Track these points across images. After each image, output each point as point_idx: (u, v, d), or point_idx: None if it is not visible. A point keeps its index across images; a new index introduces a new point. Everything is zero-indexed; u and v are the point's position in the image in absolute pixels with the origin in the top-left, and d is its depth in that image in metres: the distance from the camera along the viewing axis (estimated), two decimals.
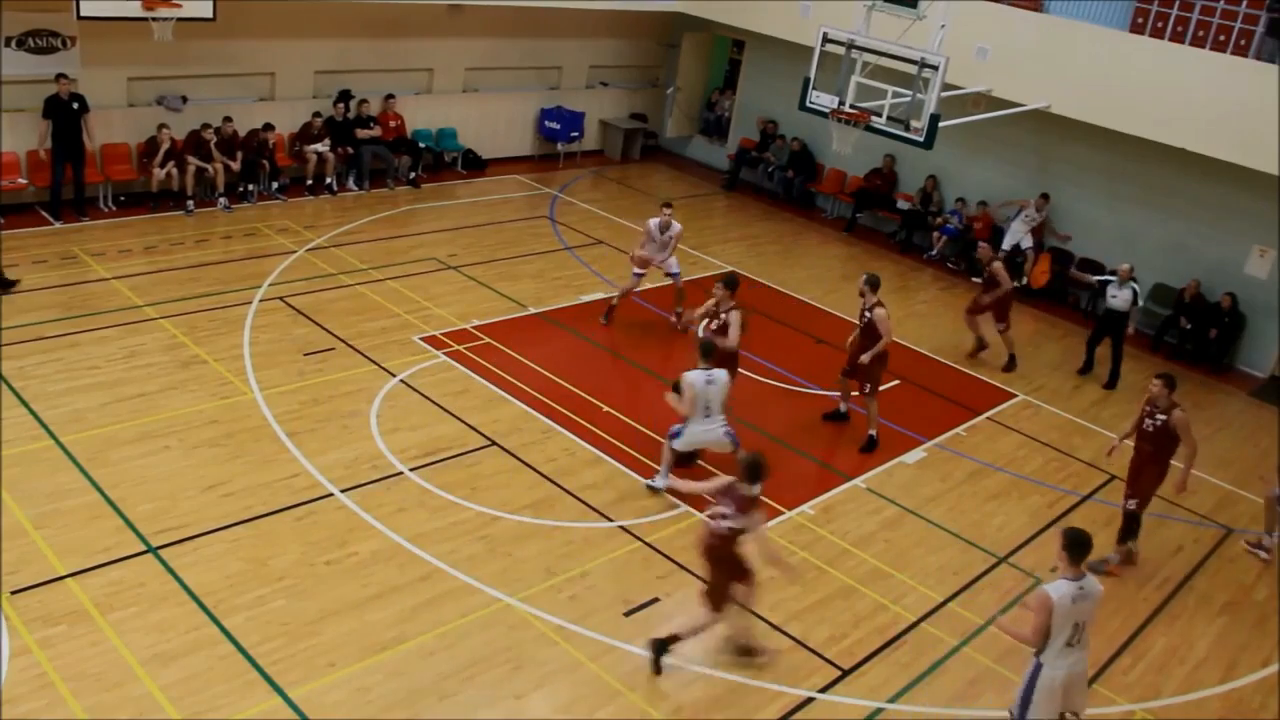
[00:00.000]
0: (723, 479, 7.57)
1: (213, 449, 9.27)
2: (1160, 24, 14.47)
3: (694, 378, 9.32)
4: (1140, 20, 14.68)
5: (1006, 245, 16.33)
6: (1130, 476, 9.53)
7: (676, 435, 9.50)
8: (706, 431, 9.48)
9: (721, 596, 7.34)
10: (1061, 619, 6.30)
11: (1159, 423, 9.17)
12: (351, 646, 7.28)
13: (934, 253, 17.41)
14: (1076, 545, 6.35)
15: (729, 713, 7.24)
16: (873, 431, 11.03)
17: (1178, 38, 14.29)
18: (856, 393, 11.19)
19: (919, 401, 12.26)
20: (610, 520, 9.13)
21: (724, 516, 7.17)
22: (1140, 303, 13.33)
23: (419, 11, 16.81)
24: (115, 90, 14.31)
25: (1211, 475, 11.71)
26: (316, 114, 15.96)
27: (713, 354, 9.52)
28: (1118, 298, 13.10)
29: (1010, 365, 13.48)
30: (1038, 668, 6.46)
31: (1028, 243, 16.29)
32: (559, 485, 9.53)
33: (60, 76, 13.19)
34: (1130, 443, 9.53)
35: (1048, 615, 6.28)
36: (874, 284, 10.77)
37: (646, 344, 12.63)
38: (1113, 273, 13.36)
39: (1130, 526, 9.55)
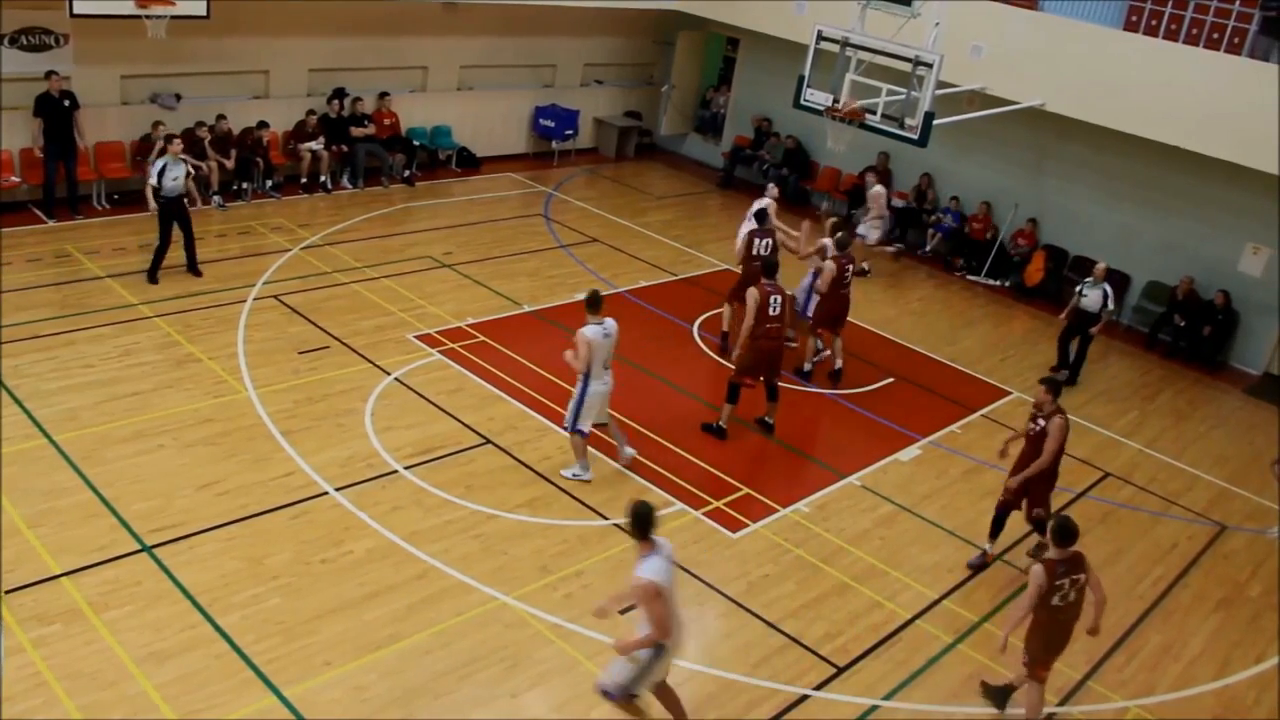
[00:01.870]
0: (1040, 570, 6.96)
1: (207, 448, 9.26)
2: (1154, 22, 14.52)
3: (591, 333, 8.86)
4: (1134, 18, 14.73)
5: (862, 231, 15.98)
6: (1013, 474, 9.09)
7: (579, 411, 9.16)
8: (607, 385, 9.25)
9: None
10: (669, 595, 6.24)
11: (1039, 427, 8.86)
12: (347, 645, 7.28)
13: (928, 250, 17.45)
14: (640, 520, 6.20)
15: (724, 710, 7.24)
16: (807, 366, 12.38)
17: (1171, 36, 14.34)
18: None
19: (914, 399, 12.28)
20: (605, 518, 9.13)
21: (1073, 580, 6.95)
22: (1111, 305, 13.02)
23: (414, 9, 16.79)
24: (109, 88, 14.27)
25: (1206, 473, 11.75)
26: (311, 112, 15.93)
27: (600, 305, 8.90)
28: (1088, 297, 12.97)
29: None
30: (661, 649, 6.27)
31: (874, 239, 15.91)
32: (554, 483, 9.52)
33: (51, 73, 13.14)
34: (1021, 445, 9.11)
35: (664, 602, 6.18)
36: (839, 243, 12.19)
37: (642, 342, 12.61)
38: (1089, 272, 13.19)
39: (998, 521, 9.26)
